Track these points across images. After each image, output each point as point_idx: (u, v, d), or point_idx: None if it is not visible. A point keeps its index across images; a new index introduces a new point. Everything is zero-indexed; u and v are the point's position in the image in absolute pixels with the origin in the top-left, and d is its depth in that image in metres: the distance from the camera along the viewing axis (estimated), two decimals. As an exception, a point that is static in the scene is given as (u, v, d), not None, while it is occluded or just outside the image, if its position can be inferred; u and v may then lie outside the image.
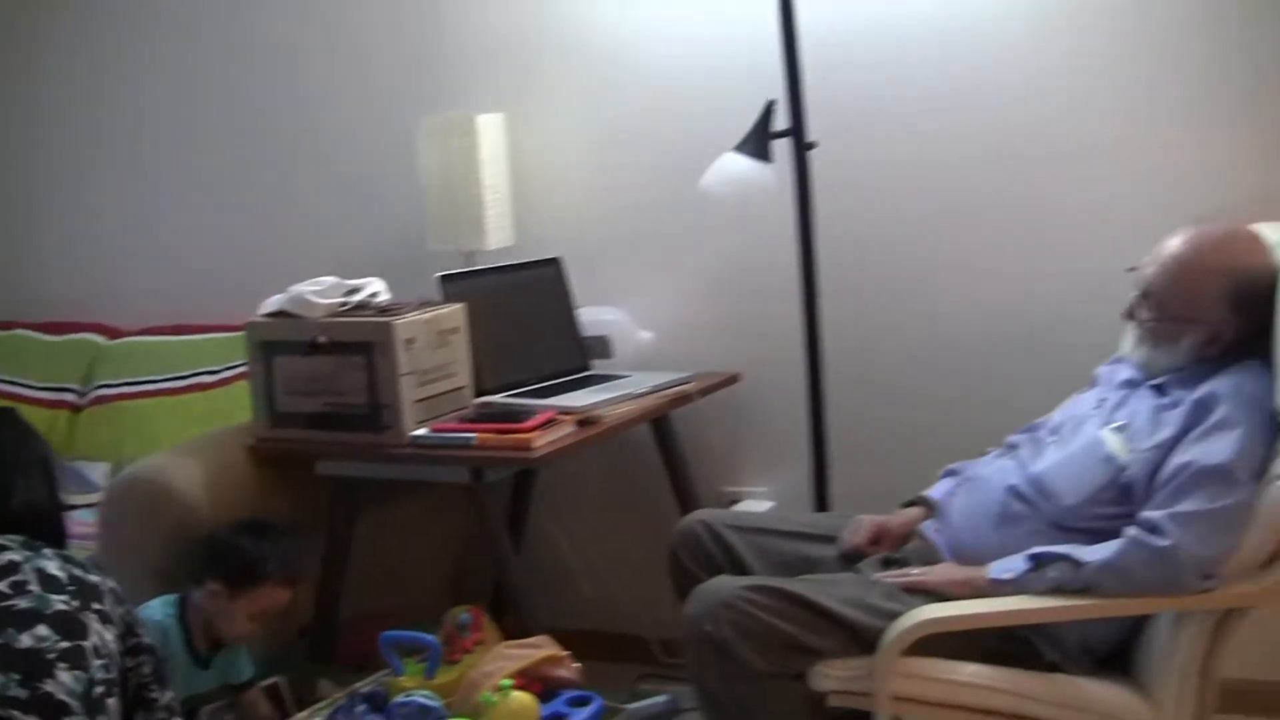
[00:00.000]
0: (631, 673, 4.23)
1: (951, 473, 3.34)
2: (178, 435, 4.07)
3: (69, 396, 4.71)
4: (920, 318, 3.97)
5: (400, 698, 3.25)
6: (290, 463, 3.72)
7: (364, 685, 3.41)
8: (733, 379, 4.08)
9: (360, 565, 3.88)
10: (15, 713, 2.45)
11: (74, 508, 3.83)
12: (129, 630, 2.78)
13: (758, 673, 2.86)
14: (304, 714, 3.33)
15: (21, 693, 2.47)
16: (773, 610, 2.86)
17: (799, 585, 2.94)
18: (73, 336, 4.85)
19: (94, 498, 4.09)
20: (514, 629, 3.55)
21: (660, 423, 4.04)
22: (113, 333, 4.81)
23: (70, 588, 2.66)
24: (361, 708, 3.31)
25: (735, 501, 4.15)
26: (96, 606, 2.69)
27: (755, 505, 4.10)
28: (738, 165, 3.61)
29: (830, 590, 2.95)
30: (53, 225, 5.18)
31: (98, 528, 3.66)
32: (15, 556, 2.67)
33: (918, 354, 3.98)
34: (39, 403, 4.71)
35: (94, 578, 2.74)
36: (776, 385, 4.06)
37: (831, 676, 2.89)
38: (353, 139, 4.57)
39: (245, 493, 3.64)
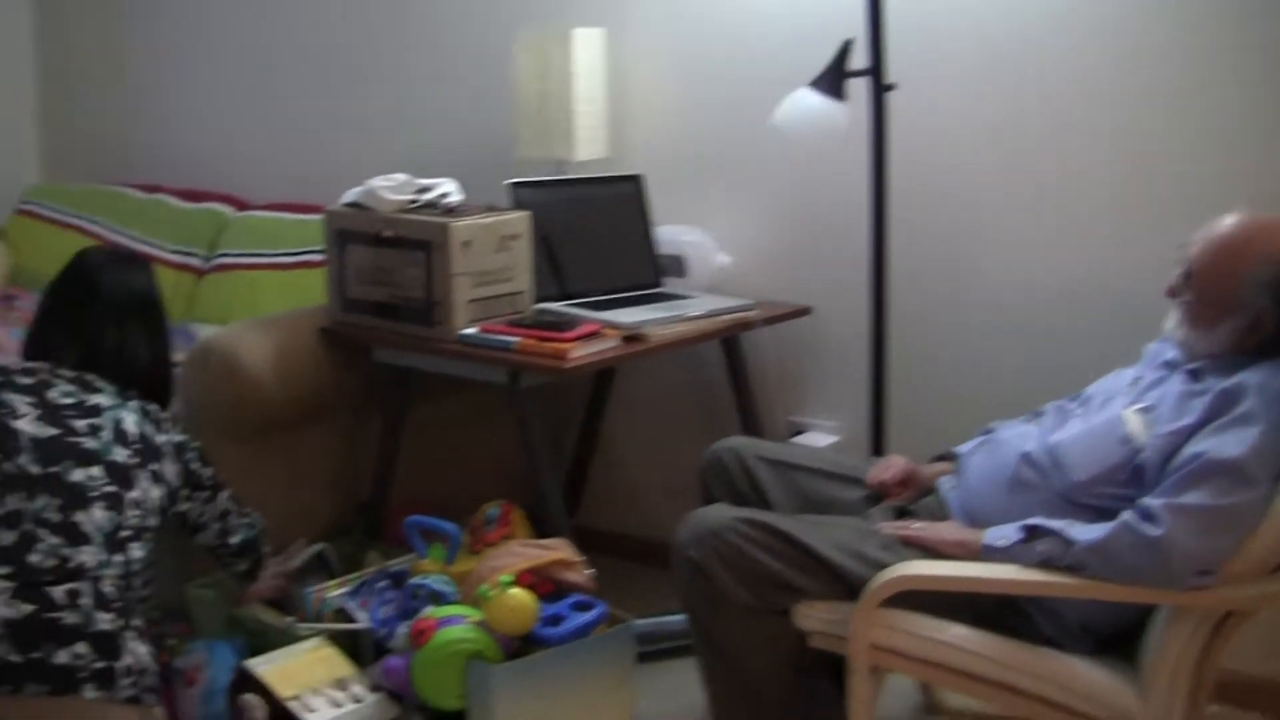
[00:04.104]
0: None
1: (988, 431, 3.14)
2: (278, 308, 4.08)
3: (195, 261, 4.75)
4: (989, 270, 3.75)
5: (416, 579, 3.24)
6: (354, 347, 3.69)
7: (395, 564, 3.42)
8: (804, 311, 3.92)
9: (419, 452, 3.85)
10: (44, 531, 2.67)
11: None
12: (186, 481, 3.07)
13: (739, 604, 2.78)
14: (341, 579, 3.39)
15: (55, 516, 2.69)
16: (759, 544, 2.76)
17: (792, 523, 2.82)
18: (206, 205, 4.88)
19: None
20: (553, 530, 3.48)
21: (732, 347, 3.91)
22: (241, 205, 4.83)
23: (136, 444, 2.90)
24: (383, 583, 3.33)
25: (800, 432, 4.01)
26: (153, 467, 2.92)
27: (819, 438, 3.95)
28: (810, 102, 3.44)
29: (825, 533, 2.82)
30: (196, 98, 5.23)
31: (177, 386, 3.67)
32: (103, 401, 2.92)
33: (984, 305, 3.76)
34: (169, 264, 4.74)
35: (160, 438, 2.98)
36: (847, 321, 3.89)
37: (813, 618, 2.79)
38: (457, 45, 4.50)
39: (310, 371, 3.62)
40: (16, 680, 2.53)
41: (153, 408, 3.03)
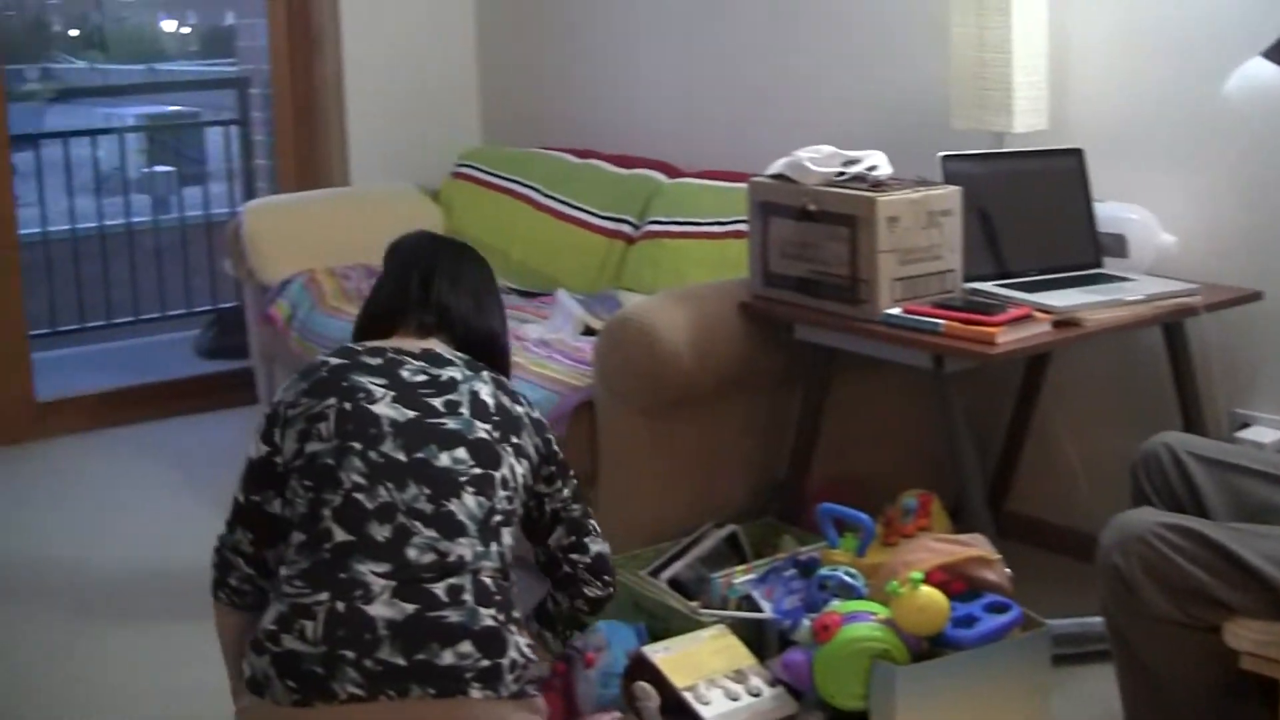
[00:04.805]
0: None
1: None
2: (705, 278, 4.07)
3: (625, 228, 4.76)
4: None
5: (825, 570, 3.16)
6: (773, 323, 3.63)
7: (804, 551, 3.35)
8: (1254, 295, 3.64)
9: (837, 432, 3.77)
10: (418, 524, 2.54)
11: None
12: (546, 460, 2.80)
13: (1162, 617, 2.59)
14: (751, 564, 3.35)
15: (428, 507, 2.56)
16: (1187, 554, 2.56)
17: (1224, 533, 2.60)
18: (638, 172, 4.88)
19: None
20: (972, 523, 3.34)
21: (1173, 333, 3.67)
22: (673, 172, 4.80)
23: (495, 417, 2.71)
24: (791, 571, 3.26)
25: (1245, 425, 3.74)
26: (514, 440, 2.73)
27: (1266, 432, 3.68)
28: (1264, 72, 3.20)
29: (1260, 544, 2.59)
30: (630, 65, 5.24)
31: (594, 357, 3.70)
32: (457, 375, 2.75)
33: None
34: (600, 231, 4.81)
35: (519, 409, 2.78)
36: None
37: (1245, 637, 2.56)
38: (890, 11, 4.37)
39: (727, 346, 3.58)
40: (402, 683, 2.42)
41: (504, 380, 2.86)
